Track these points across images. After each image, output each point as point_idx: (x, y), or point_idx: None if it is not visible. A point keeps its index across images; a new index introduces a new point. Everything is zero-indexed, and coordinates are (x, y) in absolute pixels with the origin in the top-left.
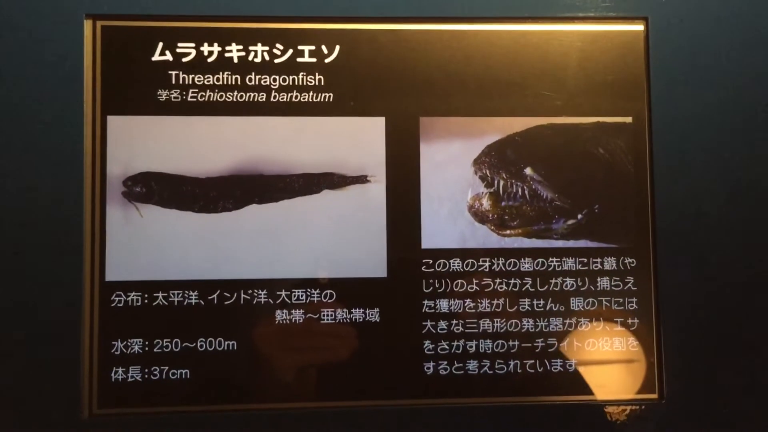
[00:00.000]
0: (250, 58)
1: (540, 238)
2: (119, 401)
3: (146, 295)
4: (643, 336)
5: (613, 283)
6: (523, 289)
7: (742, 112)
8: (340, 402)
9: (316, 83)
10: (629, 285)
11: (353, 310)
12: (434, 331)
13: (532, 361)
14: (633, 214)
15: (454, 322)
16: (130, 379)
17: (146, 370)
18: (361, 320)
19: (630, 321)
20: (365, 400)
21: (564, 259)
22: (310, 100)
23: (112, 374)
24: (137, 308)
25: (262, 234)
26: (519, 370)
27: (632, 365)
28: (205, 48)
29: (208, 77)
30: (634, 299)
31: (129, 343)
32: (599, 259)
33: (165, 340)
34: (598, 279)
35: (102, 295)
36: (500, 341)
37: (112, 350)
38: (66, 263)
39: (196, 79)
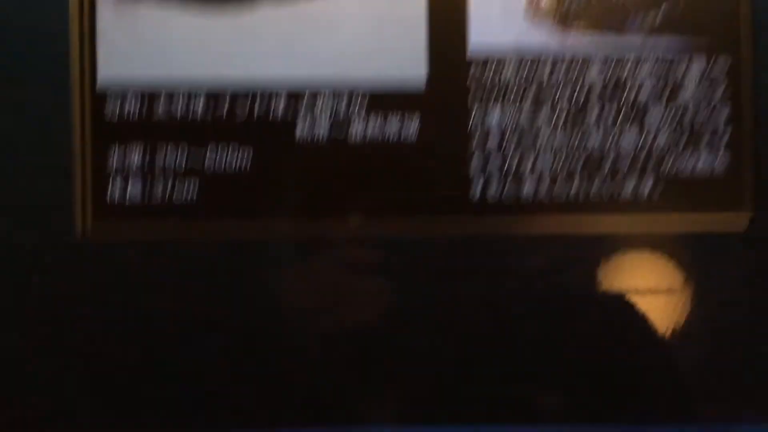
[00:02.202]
0: None
1: (613, 34)
2: (116, 219)
3: (146, 102)
4: (736, 150)
5: (702, 89)
6: (590, 97)
7: None
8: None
9: None
10: (721, 90)
11: (386, 123)
12: (482, 151)
13: (599, 183)
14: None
15: (507, 138)
16: (128, 195)
17: (147, 186)
18: (395, 136)
19: (720, 133)
20: (403, 228)
21: (641, 59)
22: None
23: (108, 192)
24: (135, 118)
25: (280, 31)
26: (583, 193)
27: (720, 185)
28: None
29: None
30: (728, 107)
31: (127, 156)
32: (686, 58)
33: (169, 153)
34: (685, 82)
35: (94, 105)
36: (560, 161)
37: (108, 164)
38: (51, 67)
39: None
